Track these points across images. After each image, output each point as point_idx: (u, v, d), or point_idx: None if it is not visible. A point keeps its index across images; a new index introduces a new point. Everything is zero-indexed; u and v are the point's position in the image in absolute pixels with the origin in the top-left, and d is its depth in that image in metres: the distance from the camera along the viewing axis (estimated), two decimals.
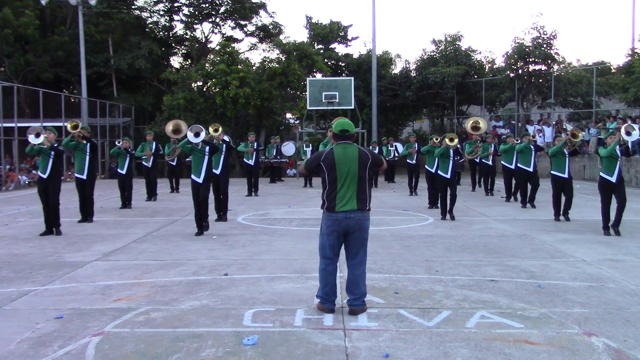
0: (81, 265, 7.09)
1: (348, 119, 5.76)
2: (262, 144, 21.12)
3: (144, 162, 15.01)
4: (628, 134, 9.13)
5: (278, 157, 21.45)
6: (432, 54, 30.51)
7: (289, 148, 22.69)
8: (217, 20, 32.88)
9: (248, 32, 33.88)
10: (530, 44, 24.82)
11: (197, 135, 9.15)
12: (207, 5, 31.83)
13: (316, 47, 30.78)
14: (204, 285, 6.08)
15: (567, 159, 10.67)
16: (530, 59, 24.87)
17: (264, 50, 34.34)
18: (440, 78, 27.69)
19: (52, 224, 9.51)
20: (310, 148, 21.12)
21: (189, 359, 4.10)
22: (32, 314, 5.11)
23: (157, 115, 28.41)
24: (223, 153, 10.96)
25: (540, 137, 22.43)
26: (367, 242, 5.13)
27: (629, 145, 9.94)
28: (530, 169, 12.56)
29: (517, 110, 26.36)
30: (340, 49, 32.77)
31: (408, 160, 16.45)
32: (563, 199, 10.83)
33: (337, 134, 5.05)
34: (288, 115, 31.77)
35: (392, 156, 20.51)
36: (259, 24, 33.33)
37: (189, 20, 32.63)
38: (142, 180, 15.65)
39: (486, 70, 29.74)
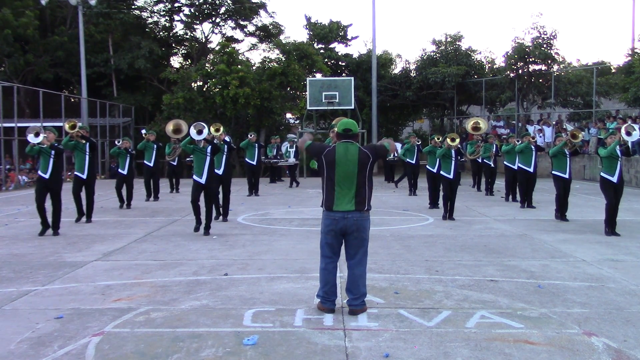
0: (81, 265, 7.09)
1: (348, 118, 5.76)
2: (262, 143, 21.10)
3: (145, 162, 14.93)
4: (628, 134, 9.13)
5: (278, 157, 21.45)
6: (432, 54, 30.51)
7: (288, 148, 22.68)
8: (217, 20, 32.92)
9: (248, 32, 33.90)
10: (530, 44, 24.81)
11: (199, 132, 9.14)
12: (207, 5, 31.84)
13: (316, 47, 30.78)
14: (204, 285, 6.08)
15: (568, 159, 10.66)
16: (530, 59, 24.86)
17: (264, 50, 34.41)
18: (441, 78, 27.69)
19: (53, 225, 9.49)
20: (294, 149, 20.66)
21: (189, 359, 4.10)
22: (32, 314, 5.11)
23: (157, 115, 28.41)
24: (225, 153, 10.97)
25: (540, 137, 22.43)
26: (367, 243, 5.12)
27: (629, 145, 9.94)
28: (531, 170, 12.55)
29: (517, 110, 26.35)
30: (340, 48, 32.84)
31: (408, 160, 16.44)
32: None
33: (340, 133, 5.06)
34: (288, 115, 31.79)
35: (392, 156, 20.48)
36: (259, 24, 33.38)
37: (189, 20, 32.64)
38: (142, 179, 15.58)
39: (486, 70, 29.73)
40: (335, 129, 5.17)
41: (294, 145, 21.00)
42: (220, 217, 11.02)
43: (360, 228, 5.00)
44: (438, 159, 11.88)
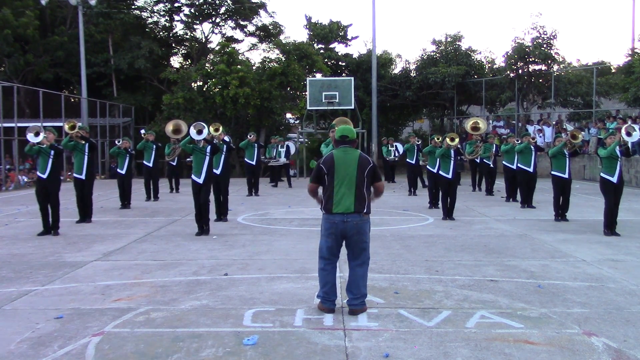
0: (81, 265, 7.09)
1: (348, 118, 5.82)
2: (262, 144, 21.07)
3: (145, 162, 14.91)
4: (628, 134, 9.12)
5: (278, 158, 21.40)
6: (432, 54, 30.51)
7: (289, 148, 22.65)
8: (217, 20, 32.92)
9: (248, 32, 33.91)
10: (530, 44, 24.82)
11: (199, 132, 9.14)
12: (207, 5, 31.84)
13: (316, 47, 30.79)
14: (204, 285, 6.08)
15: (567, 159, 10.65)
16: (530, 59, 24.87)
17: (264, 50, 34.40)
18: (441, 78, 27.69)
19: (52, 225, 9.50)
20: (285, 149, 19.94)
21: (189, 359, 4.10)
22: (32, 314, 5.11)
23: (157, 115, 28.41)
24: (224, 153, 10.96)
25: (540, 137, 22.42)
26: (368, 246, 5.13)
27: (629, 145, 9.93)
28: (531, 170, 12.55)
29: (517, 110, 26.36)
30: (340, 48, 32.84)
31: (408, 160, 16.45)
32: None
33: (338, 140, 5.16)
34: (288, 115, 31.79)
35: (392, 156, 20.49)
36: (259, 24, 33.40)
37: (189, 20, 32.64)
38: (142, 180, 15.56)
39: (486, 70, 29.73)
40: (336, 129, 5.24)
41: (285, 145, 20.50)
42: (220, 218, 11.00)
43: (361, 231, 5.02)
44: (438, 159, 11.88)
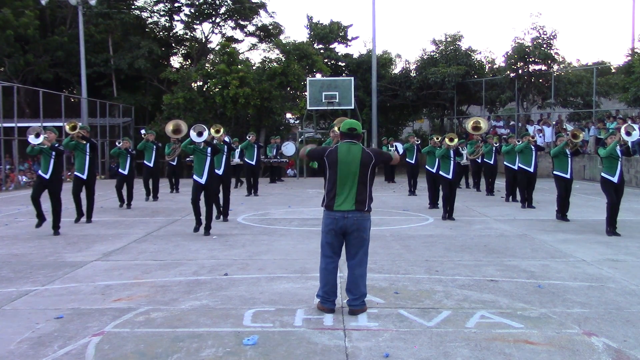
0: (81, 265, 7.09)
1: (348, 118, 5.77)
2: (262, 144, 21.09)
3: (145, 162, 14.90)
4: (628, 134, 9.12)
5: (278, 157, 21.46)
6: (432, 54, 30.51)
7: (289, 148, 22.70)
8: (217, 20, 32.93)
9: (248, 32, 33.92)
10: (530, 44, 24.82)
11: (200, 134, 9.15)
12: (207, 5, 31.84)
13: (316, 47, 30.80)
14: (204, 285, 6.08)
15: (569, 159, 10.65)
16: (530, 59, 24.87)
17: (264, 50, 34.42)
18: (441, 78, 27.68)
19: (53, 225, 9.50)
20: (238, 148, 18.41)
21: (189, 359, 4.10)
22: (32, 314, 5.11)
23: (157, 115, 28.41)
24: (224, 154, 10.97)
25: (540, 137, 22.41)
26: (367, 243, 5.12)
27: (629, 145, 9.93)
28: (531, 169, 12.55)
29: (517, 110, 26.36)
30: (340, 49, 32.85)
31: (408, 160, 16.45)
32: None
33: (345, 133, 5.05)
34: (288, 115, 31.80)
35: None
36: (259, 24, 33.41)
37: (189, 20, 32.65)
38: (142, 180, 15.53)
39: (486, 70, 29.73)
40: (335, 129, 5.18)
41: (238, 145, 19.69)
42: (221, 217, 11.03)
43: (361, 228, 5.00)
44: (437, 159, 11.89)
